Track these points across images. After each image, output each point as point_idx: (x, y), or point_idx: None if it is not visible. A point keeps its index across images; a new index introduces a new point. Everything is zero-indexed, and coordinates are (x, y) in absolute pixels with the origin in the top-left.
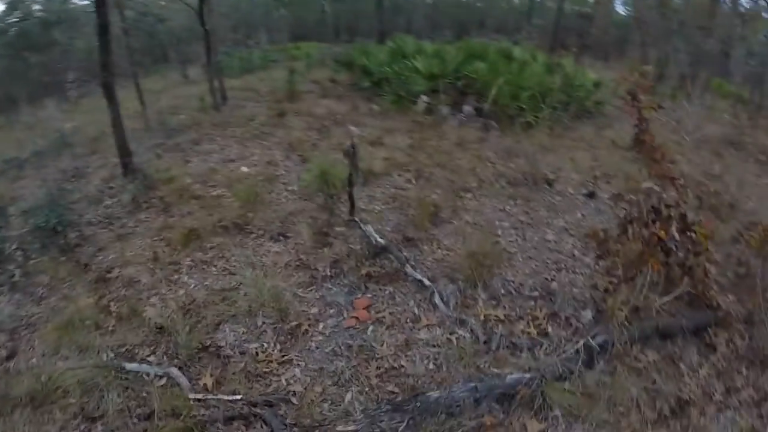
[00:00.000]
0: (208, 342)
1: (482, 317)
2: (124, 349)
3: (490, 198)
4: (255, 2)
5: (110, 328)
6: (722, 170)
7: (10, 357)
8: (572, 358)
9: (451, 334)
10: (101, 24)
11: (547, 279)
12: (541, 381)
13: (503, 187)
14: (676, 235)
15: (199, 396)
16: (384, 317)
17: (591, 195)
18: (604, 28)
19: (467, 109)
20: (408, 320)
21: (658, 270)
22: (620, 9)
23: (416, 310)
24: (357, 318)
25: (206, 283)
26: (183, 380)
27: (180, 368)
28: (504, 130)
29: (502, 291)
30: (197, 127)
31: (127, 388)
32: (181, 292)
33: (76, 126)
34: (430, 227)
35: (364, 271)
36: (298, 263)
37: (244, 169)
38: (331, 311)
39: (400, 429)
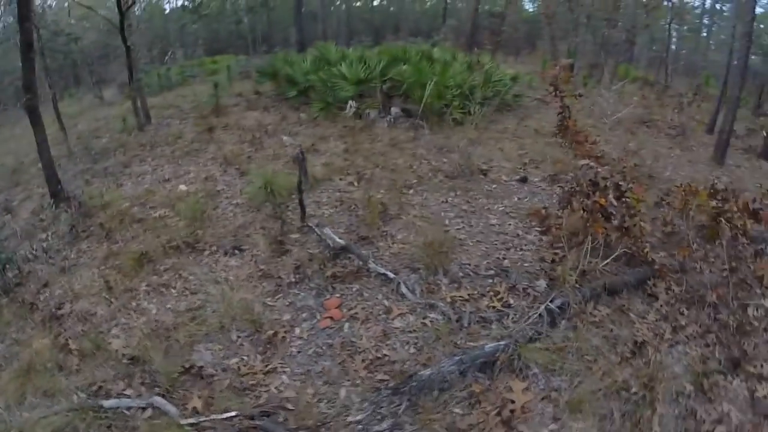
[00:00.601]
0: (186, 365)
1: (449, 299)
2: (95, 387)
3: (431, 192)
4: (168, 18)
5: (75, 368)
6: (638, 146)
7: None
8: (537, 322)
9: (424, 318)
10: (25, 41)
11: (498, 258)
12: (516, 345)
13: (441, 181)
14: (614, 202)
15: (192, 420)
16: (357, 313)
17: (523, 180)
18: (514, 25)
19: (395, 111)
20: (380, 312)
21: (602, 233)
22: (528, 5)
23: (386, 302)
24: (331, 318)
25: (168, 306)
26: (170, 408)
27: (163, 396)
28: (433, 128)
29: (461, 274)
30: (123, 149)
31: (109, 426)
32: (143, 319)
33: None
34: (381, 225)
35: (328, 273)
36: (260, 274)
37: (183, 187)
38: (304, 315)
39: (401, 410)
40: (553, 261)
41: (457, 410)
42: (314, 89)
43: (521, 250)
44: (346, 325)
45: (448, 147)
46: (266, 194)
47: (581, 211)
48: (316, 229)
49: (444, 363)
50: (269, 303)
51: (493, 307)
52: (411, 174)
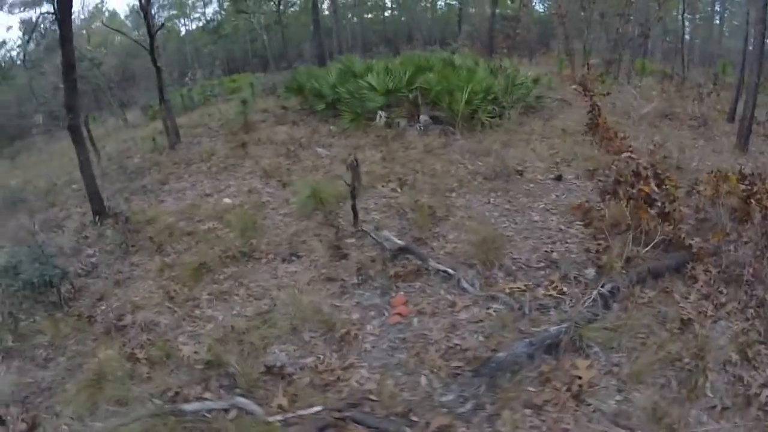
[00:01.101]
0: (262, 366)
1: (507, 291)
2: (171, 393)
3: (473, 194)
4: (184, 40)
5: (145, 375)
6: (663, 139)
7: (31, 430)
8: (592, 306)
9: (487, 309)
10: (67, 62)
11: (547, 252)
12: (576, 327)
13: (481, 183)
14: (656, 189)
15: (279, 417)
16: (423, 308)
17: (558, 178)
18: (527, 26)
19: (424, 118)
20: (446, 306)
21: (646, 219)
22: (538, 6)
23: (449, 297)
24: (399, 314)
25: (234, 312)
26: (254, 407)
27: (245, 396)
28: (463, 133)
29: (514, 267)
30: (158, 167)
31: (192, 430)
32: (210, 325)
33: (23, 181)
34: (431, 227)
35: (390, 273)
36: (323, 278)
37: (227, 200)
38: (372, 313)
39: (482, 390)
40: (597, 251)
41: (530, 388)
42: (342, 101)
43: (566, 243)
44: (415, 319)
45: (481, 151)
46: (314, 203)
47: (626, 200)
48: (371, 234)
49: (516, 346)
50: (336, 304)
51: (550, 296)
52: (450, 178)
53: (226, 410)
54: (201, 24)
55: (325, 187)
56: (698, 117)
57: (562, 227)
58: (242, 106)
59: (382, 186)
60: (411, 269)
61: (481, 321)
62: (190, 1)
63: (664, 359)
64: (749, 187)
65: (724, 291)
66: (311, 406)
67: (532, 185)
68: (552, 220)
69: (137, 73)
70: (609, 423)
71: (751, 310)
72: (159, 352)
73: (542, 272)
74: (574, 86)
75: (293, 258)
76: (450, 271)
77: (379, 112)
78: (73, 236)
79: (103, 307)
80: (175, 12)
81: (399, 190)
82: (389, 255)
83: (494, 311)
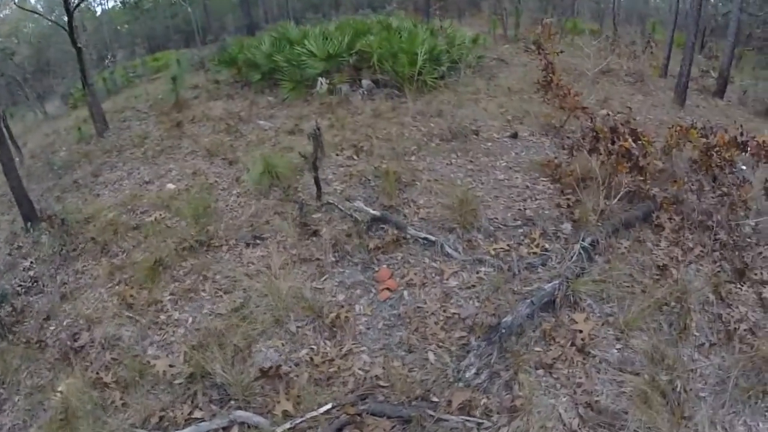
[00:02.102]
0: (253, 369)
1: (492, 252)
2: (155, 419)
3: (433, 156)
4: (100, 20)
5: (120, 402)
6: (606, 95)
7: None
8: (578, 259)
9: (477, 273)
10: None
11: (520, 210)
12: (567, 282)
13: (439, 145)
14: (634, 144)
15: (287, 426)
16: (412, 279)
17: (514, 136)
18: None
19: (366, 83)
20: (434, 275)
21: (625, 173)
22: None
23: (435, 264)
24: (388, 289)
25: (205, 310)
26: (257, 419)
27: (242, 408)
28: (409, 95)
29: (492, 228)
30: (87, 158)
31: None
32: (181, 330)
33: None
34: (399, 193)
35: (369, 245)
36: (295, 259)
37: (170, 185)
38: (358, 291)
39: (494, 356)
40: (568, 206)
41: (537, 348)
42: (279, 70)
43: (536, 199)
44: (405, 293)
45: (432, 112)
46: (269, 178)
47: (607, 156)
48: (338, 206)
49: (520, 308)
50: (318, 287)
51: (534, 253)
52: (407, 141)
53: (226, 428)
54: (118, 1)
55: (277, 161)
56: (634, 73)
57: (529, 184)
58: (172, 83)
59: (337, 155)
60: (389, 239)
61: (474, 286)
62: None
63: (652, 305)
64: (707, 140)
65: (690, 237)
66: (320, 405)
67: (489, 144)
68: (517, 178)
69: (53, 61)
70: (615, 371)
71: (717, 253)
72: (129, 372)
73: (521, 230)
74: (508, 45)
75: (257, 241)
76: (431, 237)
77: (320, 78)
78: (4, 248)
79: (52, 328)
80: None
81: (356, 157)
82: (363, 226)
83: (484, 274)
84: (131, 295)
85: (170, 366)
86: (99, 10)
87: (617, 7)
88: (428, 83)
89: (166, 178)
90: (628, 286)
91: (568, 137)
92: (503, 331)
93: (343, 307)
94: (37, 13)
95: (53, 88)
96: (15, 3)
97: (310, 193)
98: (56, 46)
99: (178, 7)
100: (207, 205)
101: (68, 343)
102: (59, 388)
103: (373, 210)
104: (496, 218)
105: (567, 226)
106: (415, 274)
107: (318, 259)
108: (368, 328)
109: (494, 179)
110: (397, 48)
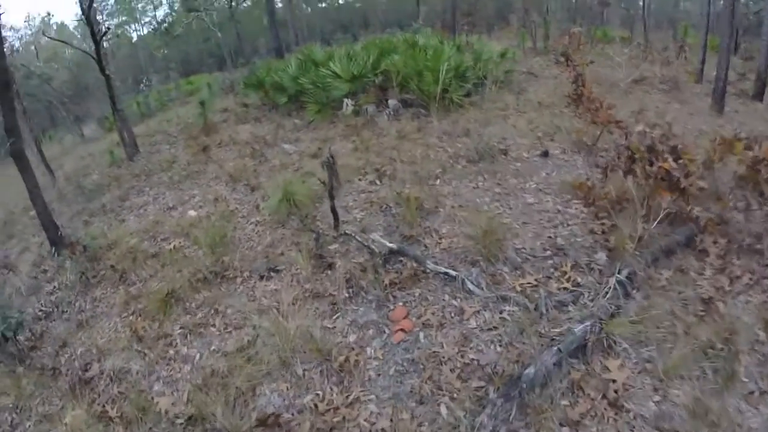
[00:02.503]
0: (254, 415)
1: (518, 288)
2: None
3: (459, 179)
4: (136, 46)
5: None
6: (641, 106)
7: None
8: (613, 295)
9: (500, 313)
10: (2, 81)
11: (550, 237)
12: (600, 323)
13: (465, 167)
14: (674, 165)
15: None
16: (428, 320)
17: (545, 154)
18: (484, 2)
19: (393, 103)
20: (453, 314)
21: (666, 196)
22: None
23: (455, 302)
24: (403, 330)
25: (213, 347)
26: None
27: None
28: (436, 114)
29: (519, 259)
30: (117, 182)
31: None
32: (187, 367)
33: None
34: (420, 221)
35: (384, 281)
36: (308, 294)
37: (192, 212)
38: (371, 332)
39: (513, 413)
40: (603, 232)
41: (564, 402)
42: (305, 93)
43: (568, 225)
44: (421, 334)
45: (459, 131)
46: (287, 206)
47: (645, 178)
48: (356, 236)
49: (544, 356)
50: (328, 326)
51: (565, 288)
52: (432, 164)
53: None
54: (152, 27)
55: (297, 187)
56: (668, 80)
57: (560, 208)
58: (200, 108)
59: (359, 179)
60: (407, 274)
61: (496, 328)
62: (139, 5)
63: (695, 348)
64: (756, 153)
65: (737, 263)
66: None
67: (519, 164)
68: (548, 201)
69: (91, 85)
70: (651, 429)
71: (767, 281)
72: (133, 408)
73: (550, 261)
74: (538, 58)
75: (272, 274)
76: (451, 272)
77: (345, 100)
78: (31, 271)
79: (67, 356)
80: (125, 18)
81: (378, 182)
82: (380, 260)
83: (508, 314)
84: (143, 327)
85: (173, 404)
86: (135, 36)
87: (647, 13)
88: (455, 101)
89: (189, 204)
90: (668, 326)
91: (601, 156)
92: (524, 385)
93: (353, 349)
94: (66, 43)
95: (90, 111)
96: (44, 33)
97: (329, 222)
98: (93, 72)
99: (209, 31)
100: (223, 234)
101: (79, 373)
102: (65, 420)
103: (390, 242)
104: (524, 248)
105: (601, 257)
106: (433, 313)
107: (331, 294)
108: (378, 374)
109: (523, 203)
110: (423, 66)
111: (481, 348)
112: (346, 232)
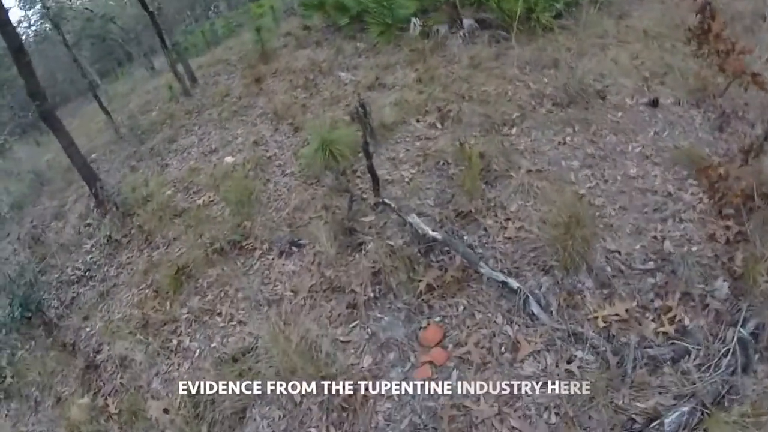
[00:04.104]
0: None
1: (600, 322)
2: None
3: (541, 130)
4: None
5: None
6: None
7: None
8: (728, 364)
9: (569, 362)
10: (13, 47)
11: (656, 238)
12: (702, 411)
13: (551, 111)
14: None
15: None
16: (468, 352)
17: (654, 103)
18: None
19: (468, 23)
20: (503, 350)
21: None
22: None
23: (509, 330)
24: (432, 362)
25: (214, 344)
26: None
27: None
28: (518, 39)
29: (610, 270)
30: (170, 120)
31: None
32: (186, 365)
33: (52, 158)
34: (483, 189)
35: (420, 283)
36: (325, 286)
37: (228, 159)
38: (391, 357)
39: None
40: (727, 241)
41: None
42: (368, 13)
43: (681, 219)
44: (454, 374)
45: (545, 62)
46: (325, 158)
47: None
48: (396, 211)
49: None
50: (341, 338)
51: (665, 334)
52: (508, 105)
53: None
54: None
55: (339, 134)
56: None
57: (672, 189)
58: (257, 34)
59: (417, 121)
60: (452, 276)
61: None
62: None
63: None
64: None
65: None
66: None
67: (619, 114)
68: (655, 176)
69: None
70: None
71: None
72: (128, 409)
73: (652, 281)
74: None
75: (293, 249)
76: (512, 283)
77: (413, 19)
78: (77, 224)
79: (87, 330)
80: None
81: (439, 125)
82: (421, 249)
83: (578, 365)
84: (153, 307)
85: (164, 412)
86: None
87: None
88: (542, 23)
89: (230, 147)
90: None
91: (727, 115)
92: None
93: (365, 378)
94: None
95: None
96: None
97: (370, 182)
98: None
99: None
100: (251, 191)
101: (91, 355)
102: (72, 410)
103: (433, 230)
104: (618, 253)
105: (722, 287)
106: (477, 343)
107: (353, 291)
108: (388, 423)
109: (623, 175)
110: None
111: (530, 415)
112: (385, 201)
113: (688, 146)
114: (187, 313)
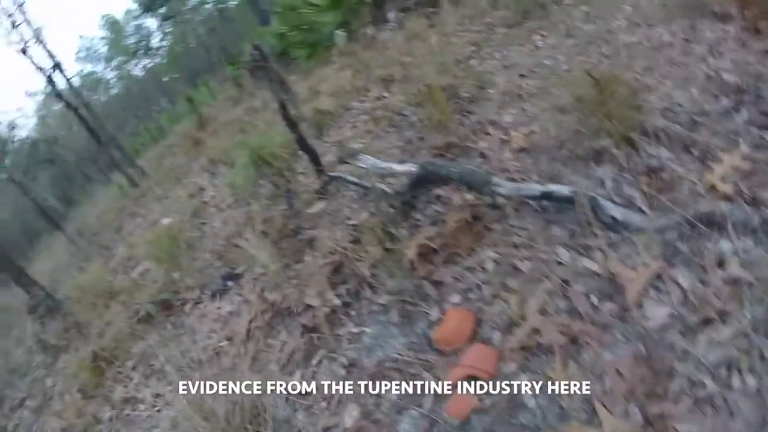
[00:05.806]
0: None
1: (721, 185)
2: None
3: (504, 48)
4: (145, 78)
5: None
6: None
7: None
8: None
9: (719, 266)
10: None
11: (709, 77)
12: None
13: (507, 33)
14: None
15: None
16: (534, 331)
17: None
18: None
19: (392, 15)
20: (594, 301)
21: None
22: None
23: (589, 263)
24: (471, 377)
25: None
26: None
27: None
28: (447, 4)
29: (681, 128)
30: (120, 213)
31: None
32: None
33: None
34: (461, 116)
35: (409, 251)
36: (269, 315)
37: (165, 221)
38: (394, 392)
39: None
40: None
41: None
42: (294, 45)
43: (719, 53)
44: (523, 383)
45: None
46: (256, 168)
47: None
48: (347, 177)
49: None
50: (295, 388)
51: None
52: (457, 47)
53: None
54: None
55: (268, 140)
56: None
57: (682, 37)
58: (190, 104)
59: (362, 101)
60: (457, 225)
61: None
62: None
63: None
64: None
65: None
66: None
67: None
68: (660, 33)
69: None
70: None
71: None
72: None
73: (741, 118)
74: None
75: (227, 284)
76: (561, 190)
77: (336, 32)
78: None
79: None
80: (122, 57)
81: (386, 93)
82: (396, 204)
83: (737, 262)
84: (76, 412)
85: None
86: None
87: None
88: None
89: (171, 209)
90: None
91: None
92: None
93: None
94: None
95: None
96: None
97: (311, 171)
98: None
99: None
100: (178, 241)
101: None
102: None
103: (402, 165)
104: (679, 105)
105: None
106: (541, 310)
107: (308, 306)
108: None
109: (623, 46)
110: None
111: None
112: (332, 174)
113: None
114: (111, 409)
